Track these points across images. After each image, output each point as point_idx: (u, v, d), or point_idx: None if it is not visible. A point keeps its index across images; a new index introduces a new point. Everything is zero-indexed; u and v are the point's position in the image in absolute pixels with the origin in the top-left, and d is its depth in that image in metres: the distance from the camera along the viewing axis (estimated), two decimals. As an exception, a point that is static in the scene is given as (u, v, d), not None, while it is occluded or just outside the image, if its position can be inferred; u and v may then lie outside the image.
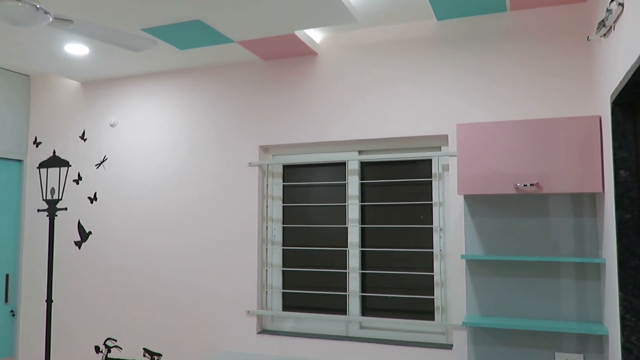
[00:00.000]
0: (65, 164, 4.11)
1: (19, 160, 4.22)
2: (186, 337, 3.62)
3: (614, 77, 2.20)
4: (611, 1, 2.06)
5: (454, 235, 3.04)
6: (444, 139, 3.18)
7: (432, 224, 3.21)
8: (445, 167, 3.19)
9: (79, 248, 4.00)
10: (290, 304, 3.53)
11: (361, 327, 3.32)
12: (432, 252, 3.20)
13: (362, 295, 3.35)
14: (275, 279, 3.55)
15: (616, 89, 2.11)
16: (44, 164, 4.19)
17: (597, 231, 2.74)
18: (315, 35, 3.39)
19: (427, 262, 3.22)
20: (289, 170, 3.61)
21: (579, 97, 2.84)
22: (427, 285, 3.21)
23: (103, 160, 3.98)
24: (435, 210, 3.20)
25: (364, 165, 3.41)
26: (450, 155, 3.06)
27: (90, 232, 3.98)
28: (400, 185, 3.32)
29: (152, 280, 3.75)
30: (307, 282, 3.49)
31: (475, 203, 2.97)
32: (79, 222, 4.02)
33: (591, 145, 2.54)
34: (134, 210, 3.85)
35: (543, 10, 2.94)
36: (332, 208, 3.47)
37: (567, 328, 2.59)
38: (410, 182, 3.29)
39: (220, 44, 3.23)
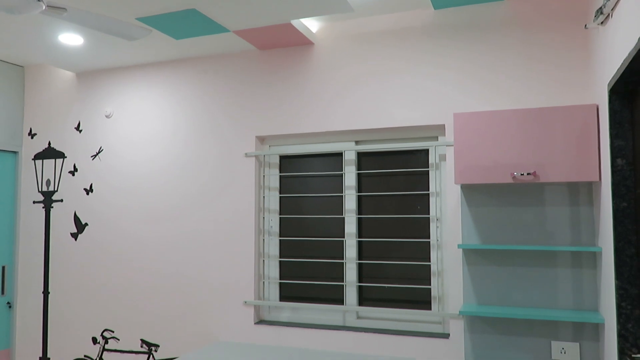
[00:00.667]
0: (61, 155, 4.09)
1: (14, 152, 4.19)
2: (183, 328, 3.62)
3: (612, 65, 2.19)
4: (609, -12, 2.05)
5: (450, 225, 3.04)
6: (440, 128, 3.17)
7: (429, 214, 3.21)
8: (442, 157, 3.18)
9: (75, 240, 3.99)
10: (287, 294, 3.53)
11: (358, 317, 3.33)
12: (429, 242, 3.20)
13: (359, 286, 3.36)
14: (272, 270, 3.55)
15: (613, 77, 2.10)
16: (39, 156, 4.16)
17: (594, 220, 2.74)
18: (311, 25, 3.37)
19: (424, 252, 3.22)
20: (286, 161, 3.60)
21: (577, 85, 2.83)
22: (424, 275, 3.21)
23: (99, 152, 3.96)
24: (432, 200, 3.20)
25: (360, 155, 3.41)
26: (447, 145, 3.06)
27: (86, 224, 3.97)
28: (397, 175, 3.32)
29: (149, 271, 3.74)
30: (304, 273, 3.49)
31: (472, 193, 2.97)
32: (75, 214, 4.01)
33: (588, 134, 2.54)
34: (130, 201, 3.83)
35: (540, -2, 2.93)
36: (329, 198, 3.46)
37: (563, 317, 2.60)
38: (407, 172, 3.29)
39: (215, 33, 3.21)
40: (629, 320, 2.11)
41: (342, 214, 3.41)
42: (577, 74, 2.84)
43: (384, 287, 3.30)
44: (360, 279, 3.36)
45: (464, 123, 2.75)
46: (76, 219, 4.00)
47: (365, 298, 3.35)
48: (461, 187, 3.00)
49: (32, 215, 4.14)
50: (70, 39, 3.31)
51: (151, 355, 3.70)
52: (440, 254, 3.15)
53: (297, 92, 3.43)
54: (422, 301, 3.21)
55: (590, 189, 2.77)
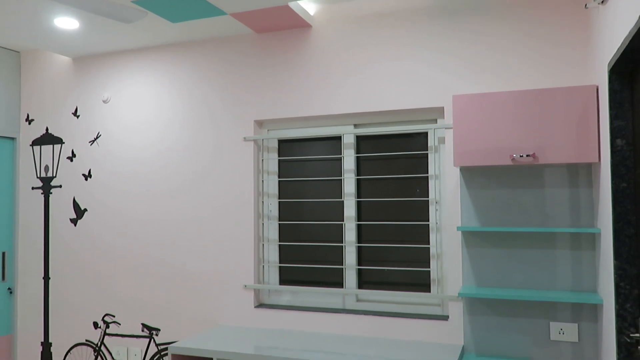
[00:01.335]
0: (59, 141, 4.08)
1: (12, 138, 4.18)
2: (184, 312, 3.63)
3: (612, 45, 2.17)
4: (610, -34, 2.02)
5: (450, 208, 3.04)
6: (439, 111, 3.16)
7: (428, 197, 3.21)
8: (442, 140, 3.17)
9: (75, 225, 3.99)
10: (287, 278, 3.54)
11: (358, 300, 3.34)
12: (428, 224, 3.20)
13: (359, 269, 3.36)
14: (272, 254, 3.56)
15: (613, 56, 2.08)
16: (37, 142, 4.15)
17: (593, 202, 2.74)
18: (309, 7, 3.34)
19: (423, 234, 3.23)
20: (285, 145, 3.59)
21: (577, 66, 2.81)
22: (423, 258, 3.22)
23: (97, 137, 3.95)
24: (431, 183, 3.19)
25: (359, 139, 3.39)
26: (446, 128, 3.04)
27: (85, 209, 3.96)
28: (396, 158, 3.31)
29: (149, 256, 3.75)
30: (304, 256, 3.50)
31: (471, 175, 2.97)
32: (74, 200, 4.00)
33: (588, 115, 2.53)
34: (129, 186, 3.83)
35: (540, -22, 2.90)
36: (328, 182, 3.46)
37: (562, 298, 2.61)
38: (406, 155, 3.28)
39: (212, 16, 3.18)
40: (627, 300, 2.12)
41: (341, 198, 3.41)
42: (577, 54, 2.81)
43: (384, 270, 3.31)
44: (359, 262, 3.36)
45: (463, 105, 2.74)
46: (75, 205, 4.00)
47: (364, 281, 3.36)
48: (460, 170, 2.99)
49: (31, 201, 4.14)
50: (66, 22, 3.27)
51: (152, 339, 3.72)
52: (440, 237, 3.15)
53: (295, 75, 3.41)
54: (422, 284, 3.22)
55: (589, 170, 2.76)
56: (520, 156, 2.62)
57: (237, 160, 3.53)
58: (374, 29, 3.23)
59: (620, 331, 2.13)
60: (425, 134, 3.23)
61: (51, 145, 4.10)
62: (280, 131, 3.56)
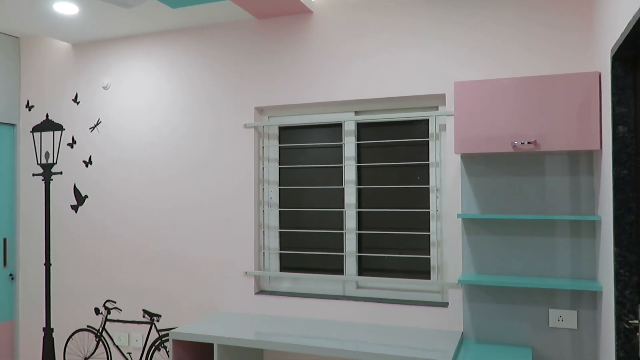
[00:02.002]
0: (59, 127, 4.07)
1: (12, 124, 4.17)
2: (184, 299, 3.65)
3: (615, 31, 2.15)
4: (614, -50, 2.00)
5: (450, 195, 3.04)
6: (441, 98, 3.14)
7: (428, 184, 3.21)
8: (443, 127, 3.16)
9: (76, 212, 4.00)
10: (287, 265, 3.55)
11: (358, 287, 3.35)
12: (429, 212, 3.20)
13: (359, 256, 3.37)
14: (272, 241, 3.57)
15: (617, 42, 2.07)
16: (38, 128, 4.14)
17: (594, 190, 2.74)
18: (310, -7, 3.32)
19: (423, 222, 3.23)
20: (285, 132, 3.58)
21: (579, 52, 2.79)
22: (423, 245, 3.22)
23: (97, 124, 3.94)
24: (432, 170, 3.19)
25: (360, 126, 3.38)
26: (447, 115, 3.03)
27: (86, 196, 3.97)
28: (397, 146, 3.30)
29: (150, 242, 3.76)
30: (304, 243, 3.51)
31: (472, 162, 2.96)
32: (74, 186, 4.01)
33: (590, 102, 2.52)
34: (130, 173, 3.83)
35: (544, -36, 2.87)
36: (328, 169, 3.45)
37: (561, 285, 2.62)
38: (407, 142, 3.27)
39: (213, 1, 3.15)
40: (626, 287, 2.12)
41: (342, 185, 3.40)
42: (580, 40, 2.79)
43: (384, 257, 3.31)
44: (359, 249, 3.37)
45: (464, 92, 2.72)
46: (76, 191, 4.00)
47: (364, 268, 3.37)
48: (461, 157, 2.98)
49: (32, 188, 4.14)
50: (65, 7, 3.25)
51: (153, 325, 3.74)
52: (440, 224, 3.16)
53: (296, 62, 3.39)
54: (422, 271, 3.23)
55: (590, 158, 2.75)
56: (522, 143, 2.61)
57: (237, 147, 3.52)
58: (375, 15, 3.21)
59: (619, 318, 2.13)
60: (427, 121, 3.22)
61: (51, 132, 4.09)
62: (281, 118, 3.55)
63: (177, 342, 3.07)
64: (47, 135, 4.11)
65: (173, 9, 3.30)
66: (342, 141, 3.41)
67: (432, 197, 3.18)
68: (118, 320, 3.85)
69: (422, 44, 3.10)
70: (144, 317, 3.77)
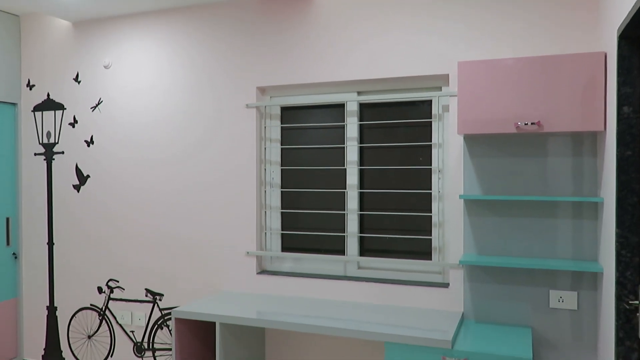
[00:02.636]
0: (60, 107, 4.05)
1: (13, 104, 4.15)
2: (187, 278, 3.67)
3: (622, 9, 2.12)
4: None
5: (452, 176, 3.03)
6: (444, 78, 3.12)
7: (430, 165, 3.20)
8: (446, 108, 3.14)
9: (78, 192, 4.00)
10: (289, 245, 3.56)
11: (359, 267, 3.37)
12: (431, 193, 3.20)
13: (360, 236, 3.38)
14: (274, 221, 3.57)
15: (623, 21, 2.04)
16: (39, 107, 4.13)
17: (597, 171, 2.73)
18: (313, -29, 3.27)
19: (425, 203, 3.23)
20: (287, 112, 3.56)
21: (585, 32, 2.76)
22: (425, 226, 3.23)
23: (98, 103, 3.92)
24: (434, 151, 3.18)
25: (363, 107, 3.37)
26: (450, 96, 3.01)
27: (88, 176, 3.97)
28: (399, 127, 3.28)
29: (152, 222, 3.77)
30: (306, 224, 3.51)
31: (475, 143, 2.95)
32: (76, 166, 4.00)
33: (595, 83, 2.49)
34: (132, 153, 3.82)
35: (551, -59, 2.82)
36: (330, 150, 3.44)
37: (562, 266, 2.62)
38: (410, 123, 3.26)
39: (214, -21, 3.11)
40: (627, 268, 2.13)
41: (344, 166, 3.40)
42: (586, 20, 2.76)
43: (385, 237, 3.32)
44: (361, 230, 3.38)
45: (468, 72, 2.70)
46: (78, 171, 4.00)
47: (366, 249, 3.38)
48: (464, 138, 2.97)
49: (33, 167, 4.15)
50: (65, -15, 3.22)
51: (156, 304, 3.77)
52: (442, 205, 3.16)
53: (298, 41, 3.36)
54: (423, 252, 3.24)
55: (594, 139, 2.74)
56: (525, 124, 2.59)
57: (239, 128, 3.51)
58: (379, -7, 3.17)
59: (619, 298, 2.14)
60: (429, 102, 3.20)
61: (53, 111, 4.08)
62: (283, 98, 3.53)
63: (179, 321, 3.09)
64: (48, 114, 4.10)
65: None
66: (344, 122, 3.39)
67: (434, 178, 3.17)
68: (121, 299, 3.88)
69: (425, 24, 3.06)
70: (146, 296, 3.80)
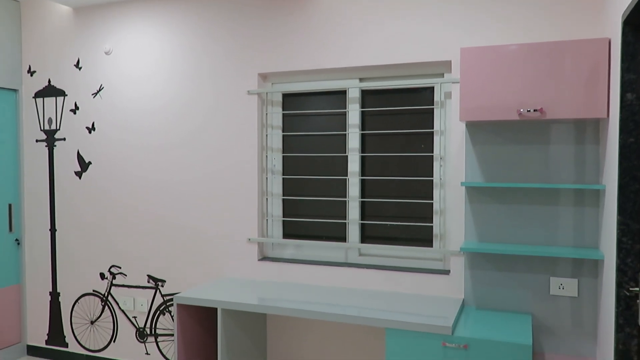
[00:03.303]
0: (61, 93, 4.04)
1: (14, 90, 4.15)
2: (188, 264, 3.69)
3: (627, -5, 2.10)
4: None
5: (454, 164, 3.02)
6: (447, 65, 3.10)
7: (432, 153, 3.19)
8: (448, 95, 3.13)
9: (80, 178, 4.01)
10: (290, 232, 3.57)
11: (360, 254, 3.38)
12: (432, 180, 3.20)
13: (362, 223, 3.38)
14: (276, 208, 3.58)
15: (628, 7, 2.02)
16: (40, 94, 4.12)
17: (599, 159, 2.72)
18: (315, -45, 3.24)
19: (426, 190, 3.23)
20: (289, 99, 3.55)
21: (589, 18, 2.74)
22: (426, 213, 3.23)
23: (99, 90, 3.91)
24: (436, 138, 3.17)
25: (365, 94, 3.35)
26: (453, 82, 3.00)
27: (90, 162, 3.97)
28: (401, 114, 3.27)
29: (154, 208, 3.78)
30: (307, 211, 3.52)
31: (477, 131, 2.94)
32: (78, 153, 4.01)
33: (598, 70, 2.48)
34: (133, 140, 3.82)
35: None
36: (332, 137, 3.44)
37: (562, 253, 2.63)
38: (412, 110, 3.24)
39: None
40: (628, 255, 2.13)
41: (346, 153, 3.39)
42: (590, 5, 2.73)
43: (386, 225, 3.33)
44: (362, 217, 3.38)
45: (471, 58, 2.68)
46: (80, 158, 4.00)
47: (367, 236, 3.38)
48: (466, 125, 2.96)
49: (35, 154, 4.15)
50: (65, -30, 3.19)
51: (158, 290, 3.79)
52: (443, 193, 3.15)
53: (300, 27, 3.34)
54: (424, 239, 3.24)
55: (597, 126, 2.73)
56: (528, 111, 2.58)
57: (240, 114, 3.50)
58: (382, -21, 3.14)
59: (620, 285, 2.15)
60: (432, 89, 3.19)
61: (54, 98, 4.07)
62: (285, 85, 3.51)
63: (181, 307, 3.11)
64: (49, 101, 4.09)
65: (175, -29, 3.23)
66: (346, 109, 3.38)
67: (436, 165, 3.17)
68: (123, 285, 3.90)
69: (428, 10, 3.04)
70: (148, 282, 3.82)
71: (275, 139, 3.56)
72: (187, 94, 3.64)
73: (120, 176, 3.87)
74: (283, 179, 3.57)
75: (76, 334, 4.08)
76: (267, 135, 3.57)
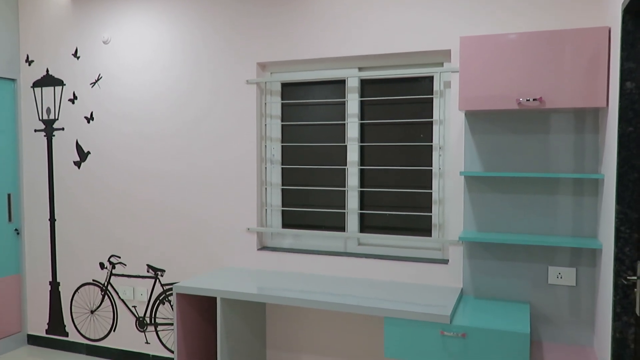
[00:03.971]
0: (60, 83, 4.03)
1: (12, 80, 4.13)
2: (188, 254, 3.70)
3: (627, -17, 2.09)
4: None
5: (453, 153, 3.02)
6: (446, 54, 3.09)
7: (431, 142, 3.19)
8: (447, 84, 3.12)
9: (79, 168, 4.01)
10: (289, 221, 3.57)
11: (359, 244, 3.38)
12: (431, 169, 3.20)
13: (361, 213, 3.39)
14: (275, 198, 3.58)
15: (628, -5, 2.01)
16: (38, 83, 4.10)
17: (598, 148, 2.72)
18: (314, -57, 3.21)
19: (426, 180, 3.23)
20: (288, 89, 3.54)
21: (589, 6, 2.72)
22: (425, 203, 3.23)
23: (98, 79, 3.90)
24: (435, 128, 3.16)
25: (364, 83, 3.34)
26: (452, 72, 2.99)
27: (88, 152, 3.97)
28: (400, 103, 3.26)
29: (153, 198, 3.78)
30: (306, 201, 3.52)
31: (476, 120, 2.93)
32: (76, 142, 4.00)
33: (598, 59, 2.47)
34: (132, 129, 3.81)
35: None
36: (331, 127, 3.43)
37: (561, 242, 2.63)
38: (411, 99, 3.23)
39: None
40: (626, 244, 2.13)
41: (345, 142, 3.39)
42: (591, -5, 2.72)
43: (385, 214, 3.33)
44: (361, 207, 3.38)
45: (470, 47, 2.67)
46: (78, 148, 4.00)
47: (366, 225, 3.39)
48: (465, 115, 2.95)
49: (34, 144, 4.14)
50: (62, -42, 3.17)
51: (157, 280, 3.80)
52: (442, 182, 3.15)
53: (300, 16, 3.32)
54: (423, 229, 3.25)
55: (596, 116, 2.72)
56: (527, 100, 2.57)
57: (239, 104, 3.49)
58: (381, -33, 3.12)
59: (617, 274, 2.15)
60: (431, 79, 3.18)
61: (52, 87, 4.06)
62: (284, 74, 3.50)
63: (180, 296, 3.12)
64: (47, 90, 4.08)
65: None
66: (345, 98, 3.37)
67: (435, 154, 3.16)
68: (123, 275, 3.91)
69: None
70: (148, 271, 3.83)
71: (274, 128, 3.55)
72: (185, 84, 3.63)
73: (119, 166, 3.87)
74: (282, 168, 3.57)
75: (76, 324, 4.10)
76: (266, 124, 3.56)
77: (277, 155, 3.56)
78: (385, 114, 3.30)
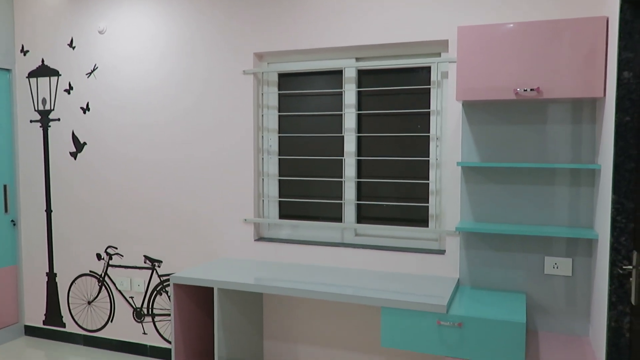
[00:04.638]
0: (55, 73, 4.00)
1: (7, 70, 4.10)
2: (185, 245, 3.69)
3: (626, -28, 2.08)
4: None
5: (450, 144, 3.02)
6: (443, 44, 3.08)
7: (429, 133, 3.18)
8: (445, 75, 3.11)
9: (75, 159, 3.99)
10: (286, 212, 3.57)
11: (356, 235, 3.39)
12: (428, 160, 3.20)
13: (358, 204, 3.39)
14: (272, 188, 3.58)
15: (627, -16, 2.00)
16: (34, 74, 4.08)
17: (595, 139, 2.72)
18: None
19: (423, 170, 3.22)
20: (285, 80, 3.52)
21: (587, -2, 2.71)
22: (422, 194, 3.23)
23: (94, 69, 3.87)
24: (432, 118, 3.16)
25: (361, 73, 3.33)
26: (450, 62, 2.98)
27: (85, 143, 3.95)
28: (397, 94, 3.25)
29: (150, 189, 3.77)
30: (303, 191, 3.52)
31: (473, 110, 2.93)
32: (73, 133, 3.98)
33: (596, 49, 2.46)
34: (128, 120, 3.80)
35: None
36: (328, 117, 3.42)
37: (557, 233, 2.64)
38: (408, 90, 3.23)
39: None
40: (622, 234, 2.14)
41: (342, 133, 3.38)
42: (589, -15, 2.71)
43: (382, 205, 3.33)
44: (359, 197, 3.38)
45: (468, 37, 2.66)
46: (74, 138, 3.98)
47: (363, 216, 3.39)
48: (462, 105, 2.95)
49: (30, 134, 4.12)
50: (57, -54, 3.14)
51: (154, 271, 3.80)
52: (439, 173, 3.15)
53: (296, 6, 3.30)
54: (420, 219, 3.25)
55: (593, 106, 2.72)
56: (525, 90, 2.57)
57: (236, 94, 3.48)
58: (379, -44, 3.10)
59: (613, 263, 2.16)
60: (428, 69, 3.17)
61: (47, 78, 4.03)
62: (281, 64, 3.48)
63: (177, 287, 3.12)
64: (43, 81, 4.05)
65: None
66: (342, 88, 3.36)
67: (432, 145, 3.16)
68: (120, 266, 3.91)
69: (426, -12, 3.01)
70: (145, 262, 3.83)
71: (271, 119, 3.54)
72: (182, 74, 3.61)
73: (115, 157, 3.86)
74: (279, 159, 3.56)
75: (73, 314, 4.10)
76: (262, 115, 3.55)
77: (274, 146, 3.55)
78: (382, 104, 3.29)
